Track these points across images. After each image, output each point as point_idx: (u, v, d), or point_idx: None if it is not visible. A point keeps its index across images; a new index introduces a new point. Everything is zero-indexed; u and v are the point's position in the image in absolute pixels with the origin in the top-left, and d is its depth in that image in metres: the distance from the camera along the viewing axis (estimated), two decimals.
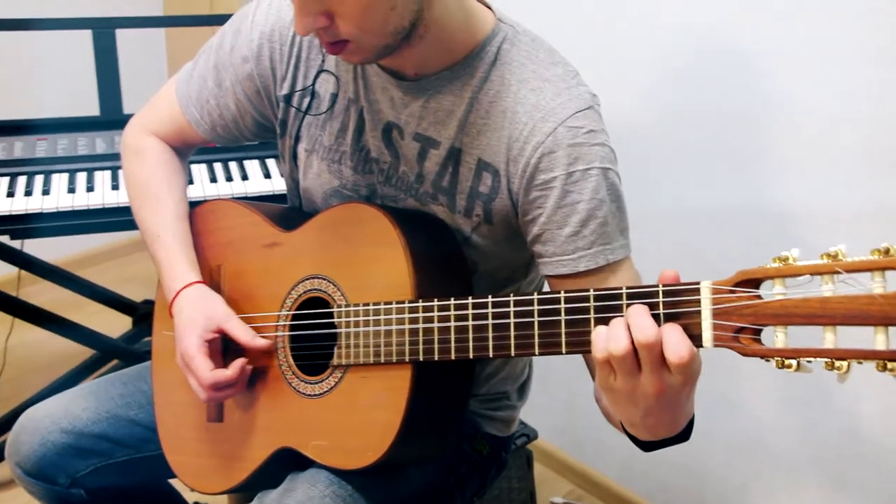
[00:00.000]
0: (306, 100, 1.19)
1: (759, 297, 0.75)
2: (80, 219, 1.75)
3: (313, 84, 1.18)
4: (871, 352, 0.68)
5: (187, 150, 1.36)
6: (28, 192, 1.75)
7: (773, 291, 0.74)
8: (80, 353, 2.38)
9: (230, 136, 1.28)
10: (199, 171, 1.90)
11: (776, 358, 0.73)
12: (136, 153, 1.32)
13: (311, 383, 1.11)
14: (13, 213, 1.71)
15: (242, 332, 1.15)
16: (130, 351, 2.30)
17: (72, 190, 1.77)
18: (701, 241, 1.73)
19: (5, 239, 1.89)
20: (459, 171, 1.11)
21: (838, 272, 0.69)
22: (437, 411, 1.08)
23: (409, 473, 1.18)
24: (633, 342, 0.79)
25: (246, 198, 1.82)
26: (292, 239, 1.19)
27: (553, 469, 2.27)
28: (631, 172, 1.56)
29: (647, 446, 0.94)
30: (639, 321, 0.79)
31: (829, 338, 0.71)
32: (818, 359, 0.71)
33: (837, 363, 0.70)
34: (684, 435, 0.92)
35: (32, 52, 1.95)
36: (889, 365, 0.68)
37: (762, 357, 0.74)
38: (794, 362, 0.72)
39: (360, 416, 1.06)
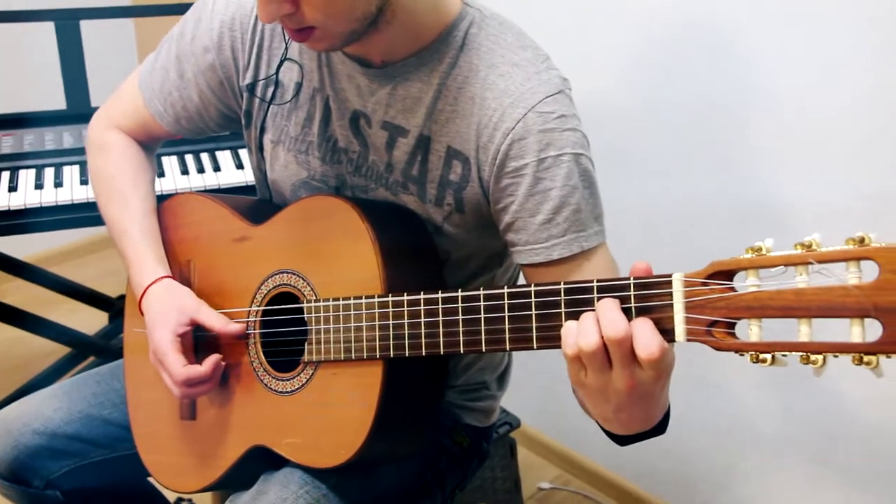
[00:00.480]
0: (270, 89, 1.16)
1: (732, 289, 0.73)
2: (51, 215, 1.71)
3: (277, 73, 1.15)
4: (847, 344, 0.66)
5: (153, 144, 1.33)
6: None
7: (746, 283, 0.72)
8: (57, 350, 2.34)
9: (195, 129, 1.25)
10: (169, 162, 1.86)
11: (750, 352, 0.71)
12: (101, 148, 1.28)
13: (283, 380, 1.09)
14: None
15: (215, 320, 1.13)
16: (107, 347, 2.27)
17: (39, 186, 1.73)
18: (679, 232, 1.71)
19: None
20: (429, 160, 1.08)
21: (811, 263, 0.67)
22: (411, 408, 1.06)
23: (386, 471, 1.16)
24: (603, 338, 0.77)
25: (219, 190, 1.79)
26: (261, 233, 1.16)
27: (539, 454, 2.27)
28: (608, 161, 1.54)
29: (622, 440, 0.92)
30: (608, 316, 0.76)
31: (804, 330, 0.69)
32: (793, 353, 0.69)
33: (813, 357, 0.68)
34: (660, 428, 0.90)
35: None
36: (865, 358, 0.66)
37: (736, 351, 0.72)
38: (768, 356, 0.70)
39: (331, 413, 1.03)
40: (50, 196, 1.71)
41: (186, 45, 1.18)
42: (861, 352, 0.66)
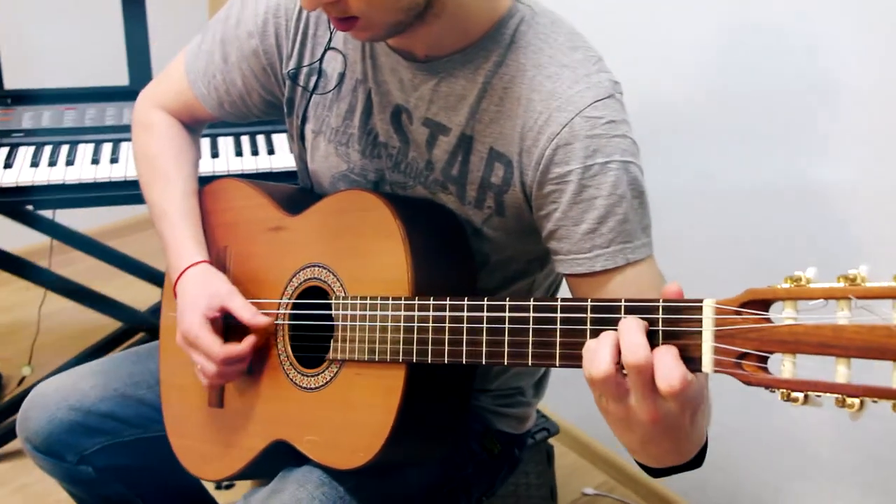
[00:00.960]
0: (313, 78, 1.13)
1: (768, 320, 0.67)
2: (104, 191, 1.73)
3: (320, 62, 1.12)
4: (887, 390, 0.61)
5: (197, 125, 1.32)
6: (52, 163, 1.73)
7: (782, 315, 0.66)
8: (113, 323, 2.38)
9: (238, 113, 1.23)
10: (225, 144, 1.86)
11: (782, 390, 0.65)
12: (145, 128, 1.28)
13: (308, 376, 1.07)
14: (35, 183, 1.69)
15: (244, 310, 1.11)
16: (156, 324, 2.29)
17: (95, 161, 1.75)
18: (745, 225, 1.64)
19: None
20: (470, 160, 1.04)
21: (855, 297, 0.61)
22: (433, 414, 1.03)
23: (408, 474, 1.13)
24: (617, 363, 0.71)
25: (271, 174, 1.78)
26: (296, 224, 1.14)
27: (587, 459, 2.21)
28: (675, 155, 1.47)
29: (654, 472, 0.87)
30: (630, 339, 0.70)
31: (841, 371, 0.63)
32: (828, 394, 0.63)
33: (849, 400, 0.62)
34: (696, 462, 0.84)
35: (63, 20, 1.92)
36: None
37: (766, 387, 0.66)
38: (800, 395, 0.64)
39: (352, 414, 1.01)
40: (105, 171, 1.72)
41: (231, 29, 1.17)
42: None
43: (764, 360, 0.68)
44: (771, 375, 0.67)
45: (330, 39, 1.11)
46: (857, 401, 0.62)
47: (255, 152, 1.83)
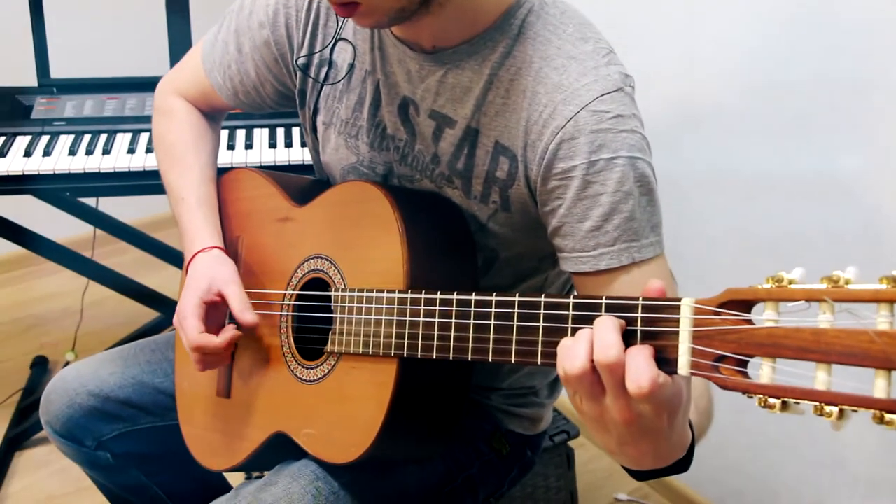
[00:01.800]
0: (323, 69, 1.12)
1: (748, 321, 0.63)
2: (139, 179, 1.75)
3: (330, 53, 1.11)
4: (868, 399, 0.56)
5: (216, 114, 1.32)
6: (89, 151, 1.76)
7: (763, 317, 0.62)
8: (153, 312, 2.41)
9: (253, 103, 1.23)
10: (260, 135, 1.87)
11: (759, 395, 0.61)
12: (165, 114, 1.29)
13: (308, 368, 1.06)
14: (72, 171, 1.72)
15: (236, 300, 1.09)
16: None
17: (132, 150, 1.77)
18: (769, 217, 1.58)
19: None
20: (476, 154, 1.01)
21: (825, 300, 0.57)
22: (428, 410, 1.00)
23: (406, 471, 1.11)
24: (592, 361, 0.68)
25: (289, 167, 1.78)
26: (302, 215, 1.13)
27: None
28: (723, 143, 1.42)
29: (638, 475, 0.83)
30: (601, 336, 0.67)
31: (821, 377, 0.59)
32: (805, 401, 0.59)
33: (827, 409, 0.58)
34: (681, 465, 0.80)
35: (107, 12, 1.96)
36: (887, 417, 0.55)
37: (743, 392, 0.63)
38: (777, 402, 0.60)
39: (346, 408, 0.99)
40: (139, 160, 1.74)
41: (244, 20, 1.16)
42: (882, 409, 0.56)
43: (743, 363, 0.64)
44: (747, 380, 0.63)
45: (339, 30, 1.09)
46: (835, 409, 0.58)
47: (289, 144, 1.83)
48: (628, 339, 0.69)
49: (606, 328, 0.68)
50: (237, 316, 1.09)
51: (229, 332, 1.09)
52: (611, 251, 0.92)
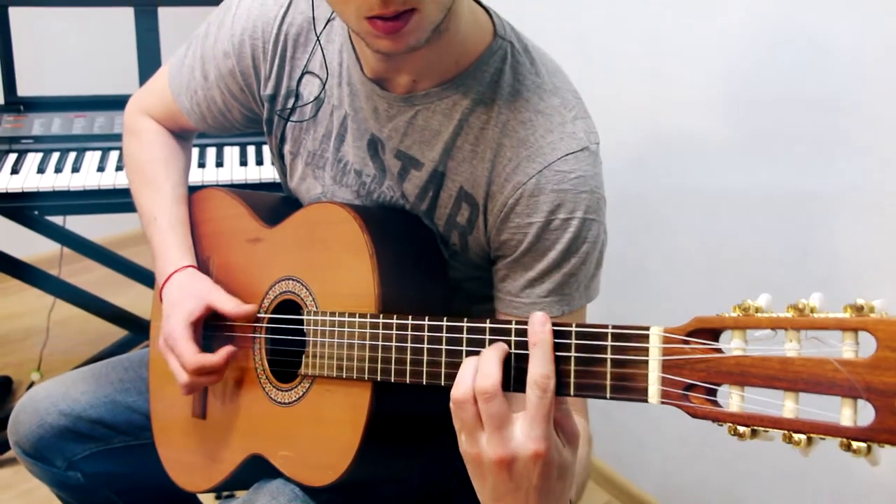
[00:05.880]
0: (291, 100, 1.12)
1: (717, 350, 0.65)
2: (108, 198, 1.74)
3: (297, 86, 1.11)
4: (834, 427, 0.58)
5: (186, 133, 1.32)
6: (58, 170, 1.75)
7: (731, 345, 0.64)
8: (120, 330, 2.39)
9: (220, 127, 1.23)
10: (230, 153, 1.87)
11: (728, 423, 0.63)
12: (135, 134, 1.28)
13: (283, 391, 1.06)
14: (40, 189, 1.70)
15: (227, 303, 1.10)
16: None
17: (101, 168, 1.76)
18: (756, 234, 1.60)
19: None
20: (440, 196, 1.03)
21: (785, 329, 0.59)
22: (403, 432, 1.00)
23: (384, 488, 1.11)
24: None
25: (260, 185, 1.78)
26: (272, 236, 1.13)
27: (591, 478, 2.18)
28: (689, 160, 1.43)
29: None
30: (483, 365, 0.70)
31: (788, 405, 0.60)
32: (773, 429, 0.61)
33: (796, 436, 0.60)
34: None
35: (75, 29, 1.95)
36: (854, 445, 0.57)
37: (713, 420, 0.64)
38: (746, 430, 0.62)
39: (322, 431, 0.99)
40: (109, 179, 1.73)
41: (209, 48, 1.16)
42: (849, 437, 0.57)
43: (713, 391, 0.65)
44: (717, 408, 0.64)
45: (307, 63, 1.09)
46: (803, 437, 0.60)
47: (243, 163, 1.83)
48: (598, 365, 0.70)
49: (488, 359, 0.71)
50: (235, 313, 1.09)
51: (226, 348, 1.09)
52: (543, 302, 0.98)
